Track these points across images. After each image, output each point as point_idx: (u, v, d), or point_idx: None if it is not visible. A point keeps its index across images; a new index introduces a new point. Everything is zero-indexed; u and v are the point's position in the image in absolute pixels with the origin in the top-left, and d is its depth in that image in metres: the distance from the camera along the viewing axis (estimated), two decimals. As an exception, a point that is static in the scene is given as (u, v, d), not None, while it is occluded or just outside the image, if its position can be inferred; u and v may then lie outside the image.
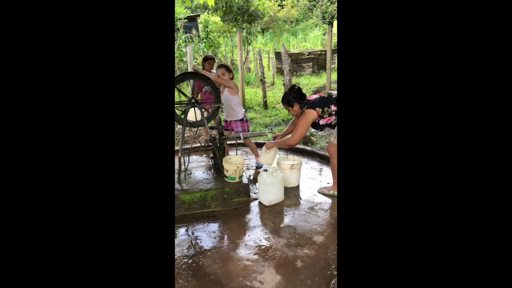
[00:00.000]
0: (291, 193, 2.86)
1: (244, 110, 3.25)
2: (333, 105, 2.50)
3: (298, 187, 2.98)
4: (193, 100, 2.70)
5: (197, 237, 2.28)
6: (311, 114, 2.51)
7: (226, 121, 3.24)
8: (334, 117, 2.53)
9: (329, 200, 2.73)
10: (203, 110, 2.83)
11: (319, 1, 17.28)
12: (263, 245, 2.13)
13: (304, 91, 2.70)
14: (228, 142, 3.62)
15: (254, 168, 3.47)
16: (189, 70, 6.31)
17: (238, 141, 3.08)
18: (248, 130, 3.33)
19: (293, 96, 2.57)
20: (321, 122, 2.56)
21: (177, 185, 2.68)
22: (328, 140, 4.20)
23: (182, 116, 2.77)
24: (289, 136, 2.73)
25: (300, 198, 2.80)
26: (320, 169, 3.40)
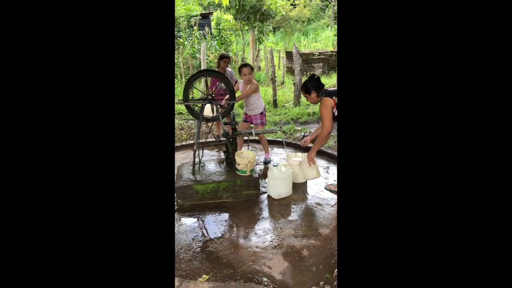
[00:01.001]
0: (299, 189, 2.99)
1: (263, 105, 3.46)
2: None
3: (306, 183, 3.11)
4: (209, 97, 2.85)
5: (210, 225, 2.43)
6: (328, 101, 2.60)
7: (246, 114, 3.47)
8: None
9: (335, 196, 2.85)
10: (218, 106, 2.98)
11: (331, 1, 17.26)
12: (271, 235, 2.27)
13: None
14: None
15: (263, 163, 3.61)
16: (202, 67, 6.46)
17: (250, 137, 3.22)
18: (265, 123, 3.53)
19: (311, 85, 2.71)
20: (336, 113, 2.64)
21: (191, 176, 2.83)
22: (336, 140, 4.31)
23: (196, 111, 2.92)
24: (318, 132, 2.82)
25: (308, 194, 2.93)
26: (328, 167, 3.52)
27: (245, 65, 3.24)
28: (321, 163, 3.64)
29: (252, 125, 3.38)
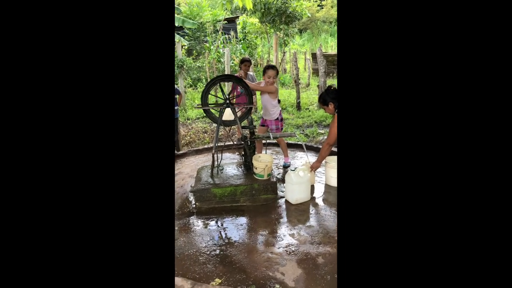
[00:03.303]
0: (318, 194, 2.93)
1: (280, 110, 3.42)
2: None
3: (327, 187, 3.04)
4: (227, 101, 2.88)
5: (226, 228, 2.45)
6: None
7: (263, 118, 3.45)
8: None
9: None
10: (237, 110, 3.00)
11: (360, 1, 16.80)
12: (287, 240, 2.24)
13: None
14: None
15: (282, 167, 3.58)
16: (226, 72, 6.56)
17: (268, 141, 3.21)
18: (282, 128, 3.49)
19: (329, 96, 2.79)
20: None
21: (209, 179, 2.87)
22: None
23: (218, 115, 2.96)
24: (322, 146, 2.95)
25: (327, 199, 2.86)
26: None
27: (272, 67, 3.11)
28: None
29: (268, 130, 3.36)
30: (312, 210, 2.67)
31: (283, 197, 2.84)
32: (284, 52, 10.50)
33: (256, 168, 2.82)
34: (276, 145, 4.18)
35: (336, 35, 16.20)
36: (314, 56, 10.55)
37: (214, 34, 10.60)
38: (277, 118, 3.38)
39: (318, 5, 17.13)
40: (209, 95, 2.87)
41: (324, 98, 2.80)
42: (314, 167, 2.94)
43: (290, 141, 4.33)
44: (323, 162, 3.02)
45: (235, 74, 3.66)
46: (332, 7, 17.70)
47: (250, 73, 3.97)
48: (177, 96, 3.91)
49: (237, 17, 12.60)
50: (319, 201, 2.83)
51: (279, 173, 3.42)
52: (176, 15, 8.90)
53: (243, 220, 2.56)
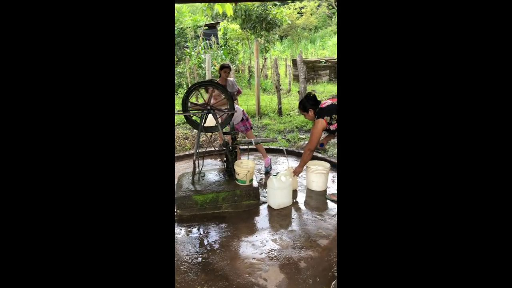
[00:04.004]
0: (300, 199, 2.96)
1: (242, 109, 3.49)
2: None
3: (309, 192, 3.07)
4: (208, 107, 2.87)
5: (208, 235, 2.42)
6: (320, 124, 2.71)
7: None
8: None
9: (336, 206, 2.81)
10: (218, 116, 2.99)
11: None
12: (269, 246, 2.24)
13: (319, 98, 2.89)
14: (240, 147, 3.78)
15: (264, 173, 3.59)
16: (207, 77, 6.54)
17: (249, 146, 3.22)
18: (251, 127, 3.56)
19: (309, 103, 2.83)
20: (332, 127, 2.79)
21: (191, 186, 2.83)
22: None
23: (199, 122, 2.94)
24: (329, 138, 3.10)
25: (309, 203, 2.89)
26: (333, 176, 3.47)
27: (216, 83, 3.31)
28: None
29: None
30: (294, 215, 2.69)
31: (266, 202, 2.85)
32: (265, 58, 10.60)
33: (238, 174, 2.82)
34: (256, 149, 4.19)
35: (315, 42, 16.56)
36: (294, 62, 10.71)
37: (194, 40, 10.56)
38: (243, 119, 3.43)
39: (298, 13, 17.45)
40: (190, 101, 2.85)
41: (304, 104, 2.83)
42: (296, 172, 2.97)
43: (272, 146, 4.36)
44: (304, 167, 3.06)
45: (216, 80, 3.66)
46: (311, 14, 18.08)
47: (230, 79, 3.96)
48: None
49: (218, 23, 12.63)
50: (301, 205, 2.86)
51: (261, 178, 3.43)
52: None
53: (225, 226, 2.54)
